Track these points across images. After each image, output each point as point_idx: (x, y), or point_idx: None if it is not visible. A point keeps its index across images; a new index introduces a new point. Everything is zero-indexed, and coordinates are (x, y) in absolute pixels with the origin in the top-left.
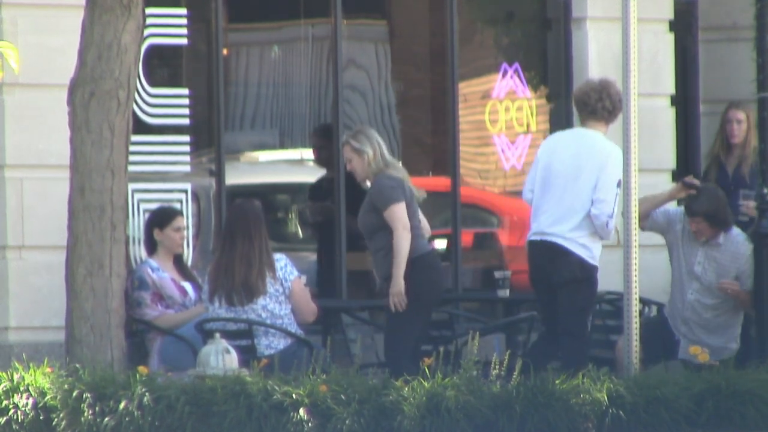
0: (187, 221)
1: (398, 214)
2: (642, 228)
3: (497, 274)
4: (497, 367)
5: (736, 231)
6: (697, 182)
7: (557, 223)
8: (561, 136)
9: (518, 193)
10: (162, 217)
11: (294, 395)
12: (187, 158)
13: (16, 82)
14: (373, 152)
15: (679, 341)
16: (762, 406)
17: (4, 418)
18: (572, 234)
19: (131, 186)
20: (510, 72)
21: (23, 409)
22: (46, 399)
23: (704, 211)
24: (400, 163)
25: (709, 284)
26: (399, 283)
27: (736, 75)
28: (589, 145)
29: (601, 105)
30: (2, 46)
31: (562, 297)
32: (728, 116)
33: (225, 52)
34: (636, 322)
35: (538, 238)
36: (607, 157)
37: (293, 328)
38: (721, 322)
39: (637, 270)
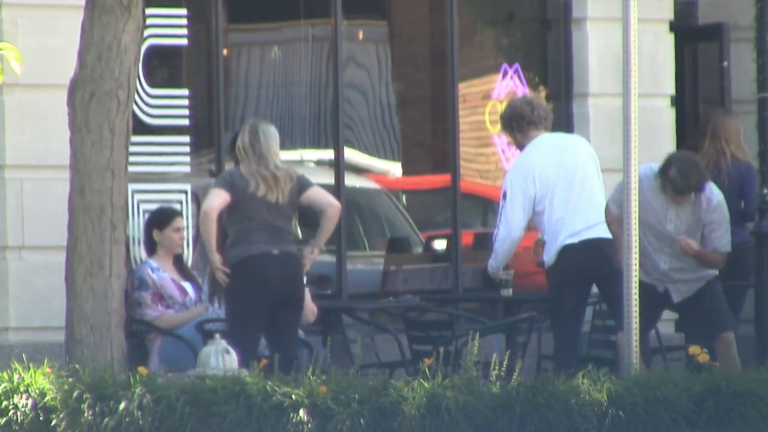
0: (186, 222)
1: (208, 195)
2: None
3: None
4: (497, 367)
5: (709, 188)
6: None
7: (591, 217)
8: (543, 149)
9: None
10: (161, 218)
11: (294, 396)
12: (187, 159)
13: (16, 82)
14: (239, 144)
15: (665, 290)
16: (762, 407)
17: (4, 419)
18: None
19: (131, 186)
20: (510, 72)
21: (23, 409)
22: (45, 399)
23: (696, 187)
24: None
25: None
26: (212, 260)
27: (736, 75)
28: (572, 140)
29: (536, 114)
30: (3, 48)
31: (618, 287)
32: None
33: (225, 52)
34: (636, 322)
35: (576, 240)
36: (590, 147)
37: None
38: (697, 267)
39: (637, 270)
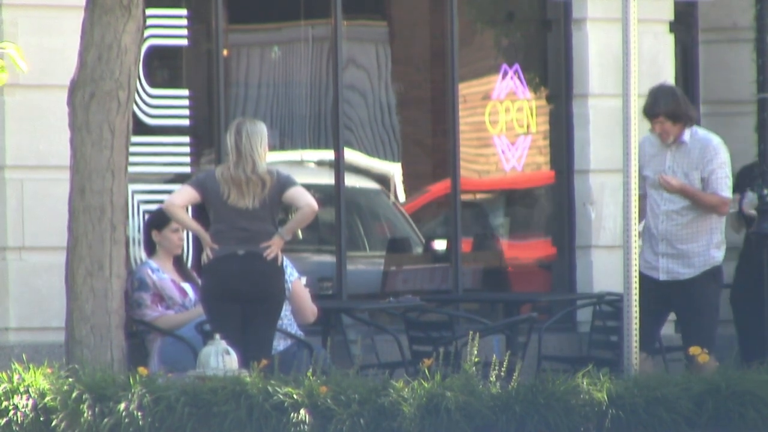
0: None
1: (175, 191)
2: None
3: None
4: (497, 368)
5: (702, 130)
6: None
7: None
8: None
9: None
10: (160, 219)
11: (294, 396)
12: (188, 159)
13: (16, 83)
14: (226, 142)
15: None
16: (762, 407)
17: (4, 420)
18: None
19: (131, 187)
20: (510, 73)
21: (23, 410)
22: (45, 400)
23: (664, 111)
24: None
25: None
26: (201, 238)
27: (736, 76)
28: None
29: None
30: (6, 47)
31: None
32: None
33: (225, 52)
34: (636, 322)
35: None
36: None
37: (293, 329)
38: (697, 227)
39: (637, 270)
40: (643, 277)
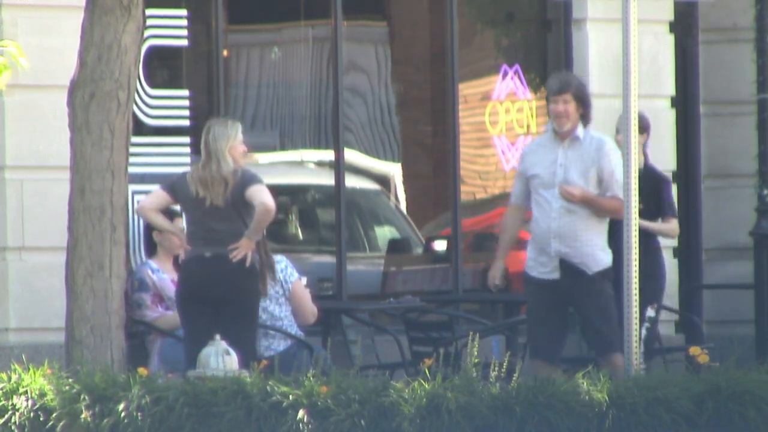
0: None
1: (149, 194)
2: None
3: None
4: (497, 368)
5: (593, 130)
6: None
7: None
8: None
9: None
10: None
11: (293, 396)
12: (188, 160)
13: (16, 83)
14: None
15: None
16: (762, 407)
17: (3, 420)
18: None
19: (131, 187)
20: (510, 73)
21: (22, 410)
22: (45, 400)
23: (575, 91)
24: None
25: (574, 183)
26: (177, 236)
27: (736, 76)
28: None
29: None
30: (6, 45)
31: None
32: None
33: (225, 53)
34: (636, 323)
35: None
36: None
37: (293, 329)
38: (590, 225)
39: (637, 269)
40: (535, 284)
